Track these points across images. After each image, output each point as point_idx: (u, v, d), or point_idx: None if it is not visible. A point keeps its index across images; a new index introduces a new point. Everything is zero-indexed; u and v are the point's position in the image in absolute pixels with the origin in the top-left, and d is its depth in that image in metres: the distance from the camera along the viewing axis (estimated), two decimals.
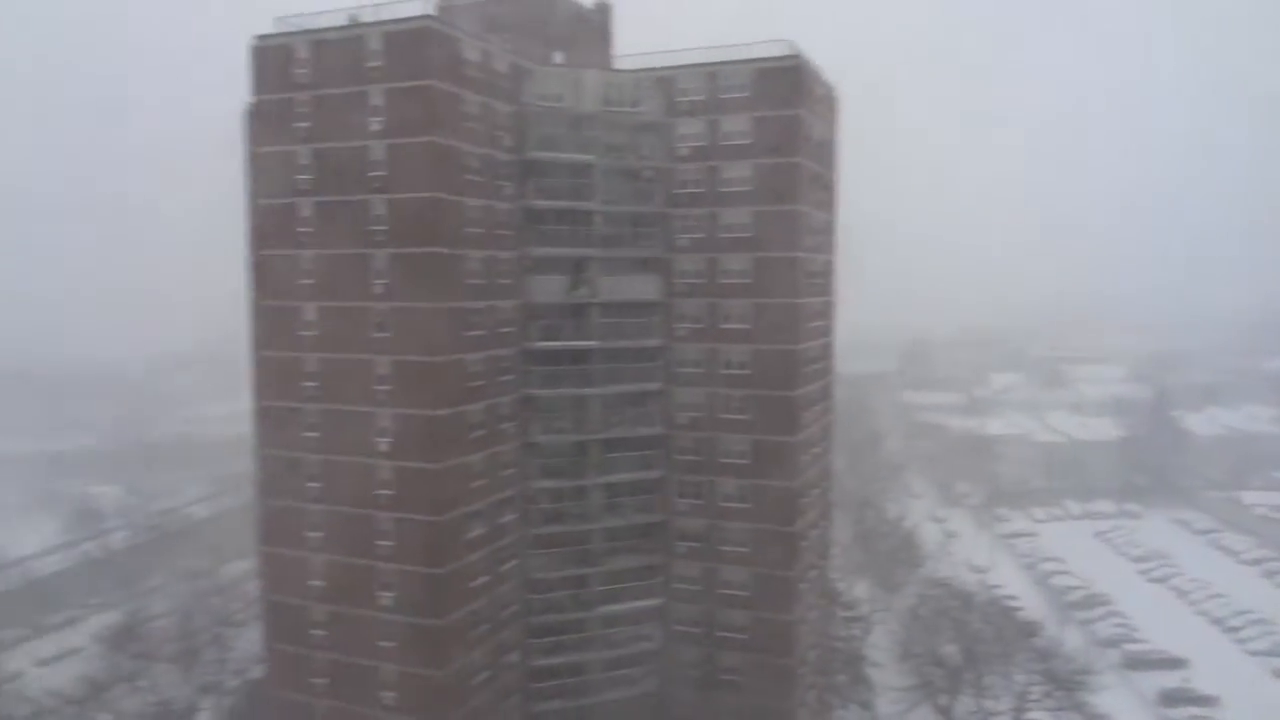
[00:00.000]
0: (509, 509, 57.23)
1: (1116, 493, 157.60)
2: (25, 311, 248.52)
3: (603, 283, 59.89)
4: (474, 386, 53.53)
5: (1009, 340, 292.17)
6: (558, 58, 61.95)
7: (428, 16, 49.76)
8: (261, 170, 54.84)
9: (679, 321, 61.37)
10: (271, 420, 55.88)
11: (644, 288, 61.23)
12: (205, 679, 66.68)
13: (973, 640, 69.58)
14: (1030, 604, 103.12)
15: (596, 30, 67.75)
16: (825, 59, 63.47)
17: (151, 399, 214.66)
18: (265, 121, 53.91)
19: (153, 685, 64.22)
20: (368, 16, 50.95)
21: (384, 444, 51.83)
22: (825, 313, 67.11)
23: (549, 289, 58.68)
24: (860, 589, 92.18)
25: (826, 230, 66.94)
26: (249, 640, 71.78)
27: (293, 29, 52.35)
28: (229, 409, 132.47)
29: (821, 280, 65.59)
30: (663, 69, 60.39)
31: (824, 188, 65.63)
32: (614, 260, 60.17)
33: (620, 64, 64.08)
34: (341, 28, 51.48)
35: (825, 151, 65.62)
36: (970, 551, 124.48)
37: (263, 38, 53.09)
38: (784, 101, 58.30)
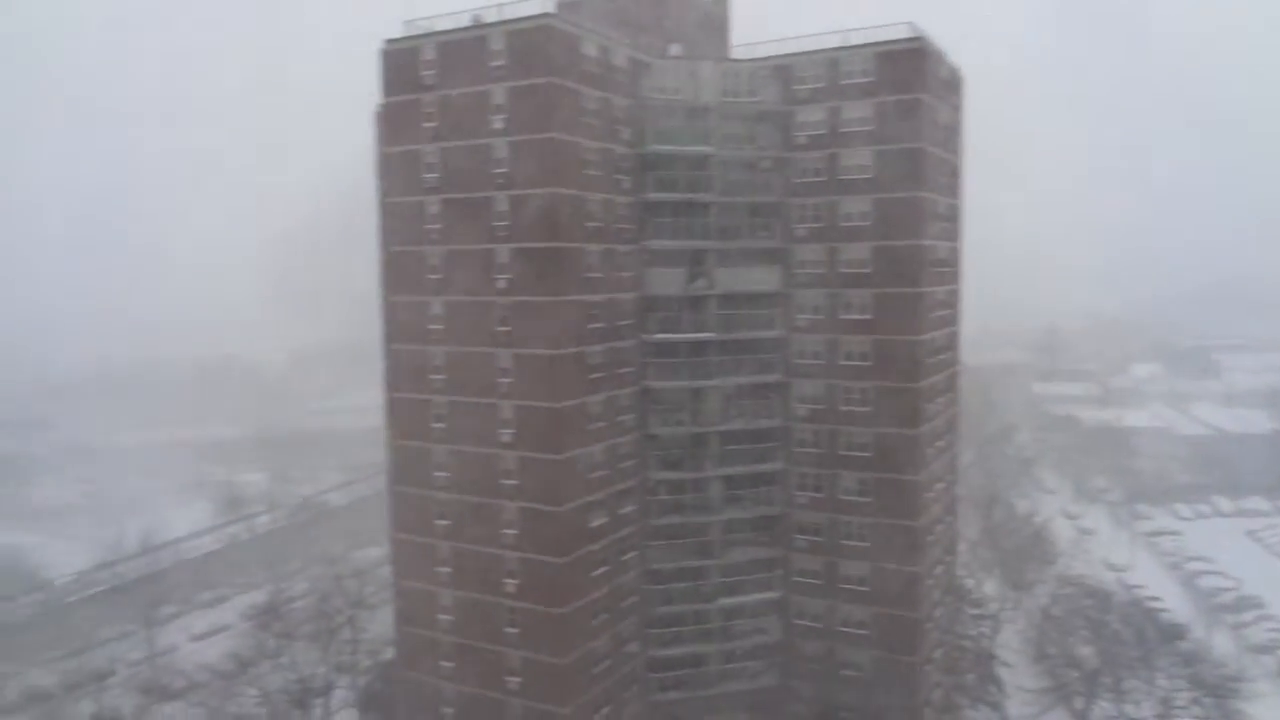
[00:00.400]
0: (629, 500, 57.79)
1: (1272, 489, 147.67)
2: (179, 309, 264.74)
3: (721, 274, 59.72)
4: (594, 379, 54.23)
5: (1149, 329, 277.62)
6: (675, 50, 61.98)
7: (547, 15, 50.49)
8: (391, 170, 56.83)
9: (798, 312, 60.67)
10: (402, 411, 57.95)
11: (762, 278, 60.76)
12: (341, 658, 69.67)
13: (1111, 642, 66.53)
14: (1175, 605, 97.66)
15: (714, 21, 67.46)
16: (950, 40, 61.70)
17: (293, 391, 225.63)
18: (394, 122, 55.81)
19: (293, 663, 67.51)
20: (491, 16, 52.07)
21: (507, 435, 53.04)
22: (950, 302, 65.19)
23: (667, 281, 58.87)
24: (989, 587, 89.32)
25: (951, 217, 64.96)
26: (381, 623, 74.72)
27: (419, 32, 53.95)
28: (363, 401, 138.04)
29: (946, 268, 63.71)
30: (781, 57, 59.71)
31: (949, 173, 63.70)
32: (732, 251, 59.92)
33: (738, 54, 63.60)
34: (465, 29, 52.76)
35: (950, 136, 63.67)
36: (1108, 550, 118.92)
37: (391, 41, 54.91)
38: (907, 86, 56.83)
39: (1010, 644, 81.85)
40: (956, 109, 65.33)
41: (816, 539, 61.00)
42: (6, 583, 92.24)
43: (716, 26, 67.56)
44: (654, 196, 57.72)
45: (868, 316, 58.61)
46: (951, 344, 66.18)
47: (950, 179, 64.27)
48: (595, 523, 54.64)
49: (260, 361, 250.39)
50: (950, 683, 68.60)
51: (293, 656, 68.04)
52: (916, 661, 59.44)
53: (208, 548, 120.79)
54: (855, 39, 57.96)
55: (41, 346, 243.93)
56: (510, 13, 51.37)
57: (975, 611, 79.20)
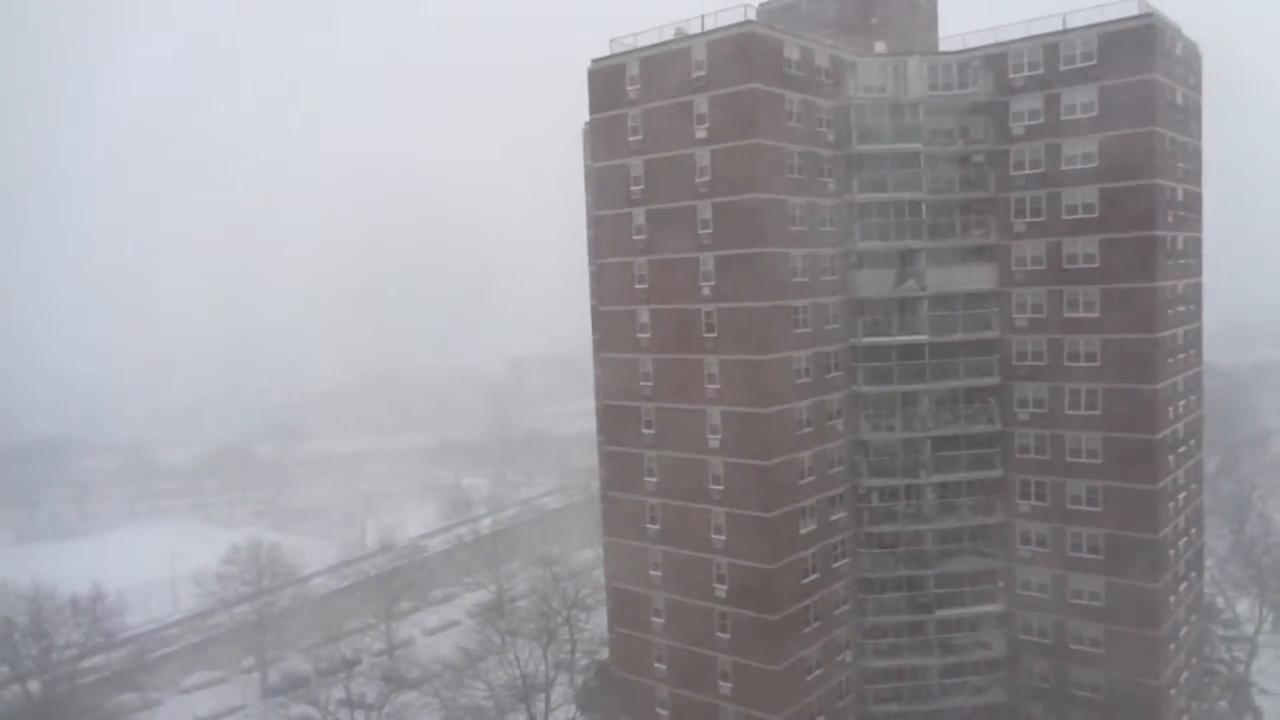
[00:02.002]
0: (838, 507, 56.88)
1: None
2: (407, 323, 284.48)
3: (932, 274, 57.79)
4: (801, 384, 53.82)
5: None
6: (879, 47, 60.55)
7: (749, 22, 50.80)
8: (599, 183, 58.90)
9: (1017, 311, 57.69)
10: (612, 418, 59.77)
11: (977, 277, 58.30)
12: (560, 656, 72.54)
13: None
14: None
15: (921, 14, 65.60)
16: (1186, 12, 57.03)
17: (511, 399, 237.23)
18: (601, 138, 57.79)
19: (516, 659, 70.95)
20: (693, 28, 52.94)
21: (715, 441, 53.54)
22: (1191, 296, 59.99)
23: (875, 283, 57.61)
24: (1242, 606, 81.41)
25: (1191, 205, 59.79)
26: (597, 623, 77.25)
27: (625, 49, 55.62)
28: (576, 408, 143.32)
29: (1185, 260, 58.70)
30: (993, 46, 57.11)
31: (1187, 158, 58.74)
32: (943, 250, 57.86)
33: (946, 45, 61.43)
34: (667, 43, 53.91)
35: (1187, 118, 58.71)
36: None
37: (598, 60, 56.90)
38: (1135, 66, 52.95)
39: (1270, 670, 74.25)
40: (1195, 88, 60.19)
41: (1042, 550, 57.64)
42: (269, 577, 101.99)
43: (924, 20, 65.65)
44: (860, 197, 56.68)
45: (1095, 315, 54.94)
46: (1193, 342, 60.88)
47: (1189, 164, 59.23)
48: (805, 529, 54.17)
49: (482, 372, 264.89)
50: (1199, 710, 62.99)
51: (516, 653, 71.52)
52: (1159, 685, 54.97)
53: (437, 547, 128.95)
54: (1076, 20, 54.62)
55: (292, 361, 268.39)
56: (711, 23, 52.00)
57: (1227, 633, 72.43)
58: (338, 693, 71.07)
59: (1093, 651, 56.04)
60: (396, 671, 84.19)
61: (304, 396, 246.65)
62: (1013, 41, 56.51)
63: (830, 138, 55.56)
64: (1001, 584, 59.05)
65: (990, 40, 57.34)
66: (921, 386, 57.91)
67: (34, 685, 77.10)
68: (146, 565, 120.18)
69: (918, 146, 56.93)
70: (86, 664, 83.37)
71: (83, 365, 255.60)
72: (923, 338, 57.70)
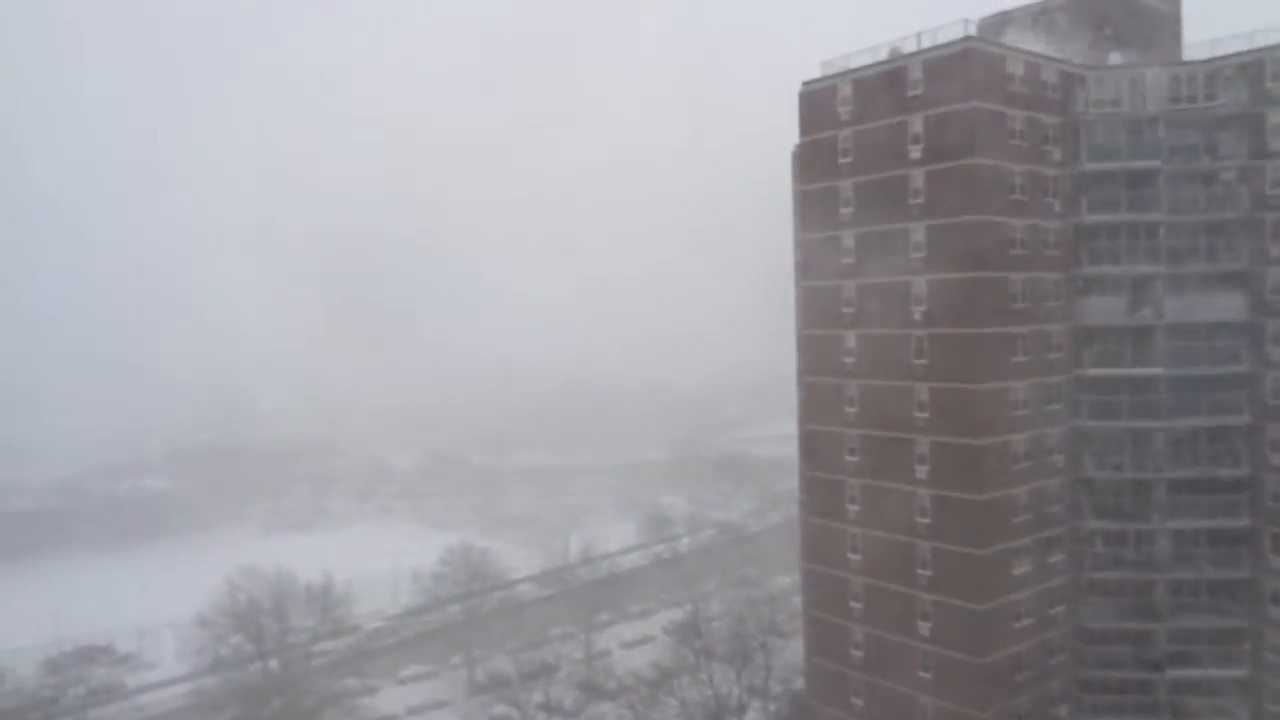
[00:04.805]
0: (1057, 549, 53.24)
1: None
2: (614, 343, 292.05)
3: (1170, 302, 53.27)
4: (1018, 415, 50.90)
5: None
6: (1114, 58, 56.73)
7: (969, 39, 48.88)
8: (807, 206, 58.21)
9: (1273, 344, 52.19)
10: (814, 443, 58.66)
11: (1223, 306, 53.22)
12: (754, 681, 71.73)
13: None
14: None
15: (1162, 22, 60.88)
16: None
17: (711, 420, 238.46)
18: (810, 160, 57.16)
19: (710, 680, 70.77)
20: (909, 47, 51.50)
21: (923, 472, 51.48)
22: None
23: (1104, 311, 53.76)
24: None
25: None
26: (793, 651, 75.87)
27: (837, 71, 54.84)
28: (777, 431, 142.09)
29: None
30: (1247, 52, 52.18)
31: None
32: (1183, 276, 53.23)
33: (1191, 55, 56.70)
34: (882, 63, 52.68)
35: None
36: None
37: (809, 83, 56.39)
38: None
39: None
40: None
41: None
42: (478, 580, 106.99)
43: (1166, 28, 60.85)
44: (1090, 219, 53.16)
45: None
46: None
47: None
48: (1018, 571, 51.02)
49: (679, 390, 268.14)
50: None
51: (710, 673, 71.34)
52: None
53: (635, 563, 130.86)
54: None
55: (514, 374, 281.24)
56: (928, 40, 50.42)
57: None
58: (537, 696, 73.30)
59: None
60: (593, 681, 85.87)
61: (524, 408, 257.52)
62: (1272, 47, 51.43)
63: (1056, 156, 52.50)
64: (1247, 646, 53.33)
65: (1244, 46, 52.46)
66: (1155, 424, 53.38)
67: (274, 663, 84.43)
68: (371, 560, 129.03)
69: (1157, 164, 52.81)
70: (318, 647, 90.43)
71: (318, 373, 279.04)
72: (1159, 370, 53.25)
